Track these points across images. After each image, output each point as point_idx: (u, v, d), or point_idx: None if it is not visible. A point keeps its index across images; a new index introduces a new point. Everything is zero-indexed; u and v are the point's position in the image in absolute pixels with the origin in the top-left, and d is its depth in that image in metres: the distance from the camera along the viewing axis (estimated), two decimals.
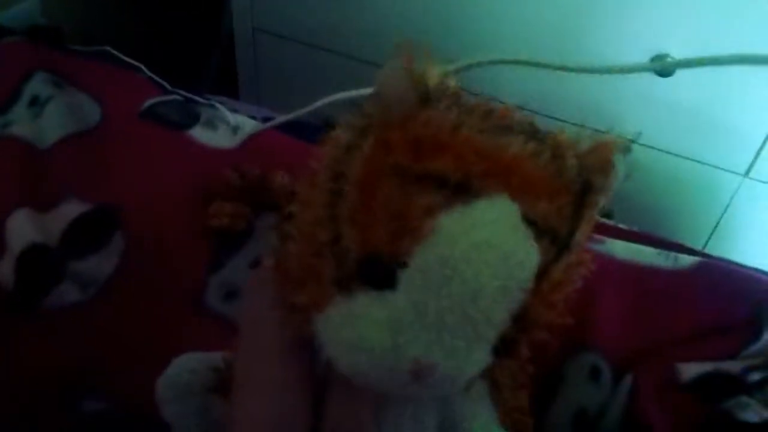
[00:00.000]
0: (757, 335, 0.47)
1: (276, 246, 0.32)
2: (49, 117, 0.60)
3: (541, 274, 0.27)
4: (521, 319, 0.27)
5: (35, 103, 0.61)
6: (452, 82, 0.29)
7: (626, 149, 0.29)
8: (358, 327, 0.26)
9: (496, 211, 0.26)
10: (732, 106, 0.96)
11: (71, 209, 0.53)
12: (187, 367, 0.38)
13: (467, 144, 0.26)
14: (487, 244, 0.25)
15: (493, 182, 0.26)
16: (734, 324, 0.48)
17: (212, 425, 0.37)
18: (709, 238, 1.04)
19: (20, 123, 0.60)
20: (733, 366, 0.46)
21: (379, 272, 0.26)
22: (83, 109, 0.61)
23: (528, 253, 0.26)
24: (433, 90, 0.27)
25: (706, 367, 0.46)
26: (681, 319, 0.49)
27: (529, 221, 0.26)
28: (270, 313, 0.31)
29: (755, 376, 0.46)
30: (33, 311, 0.50)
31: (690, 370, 0.46)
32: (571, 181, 0.28)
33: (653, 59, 0.96)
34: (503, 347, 0.28)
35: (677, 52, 0.94)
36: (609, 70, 0.39)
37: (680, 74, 0.94)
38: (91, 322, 0.49)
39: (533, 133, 0.28)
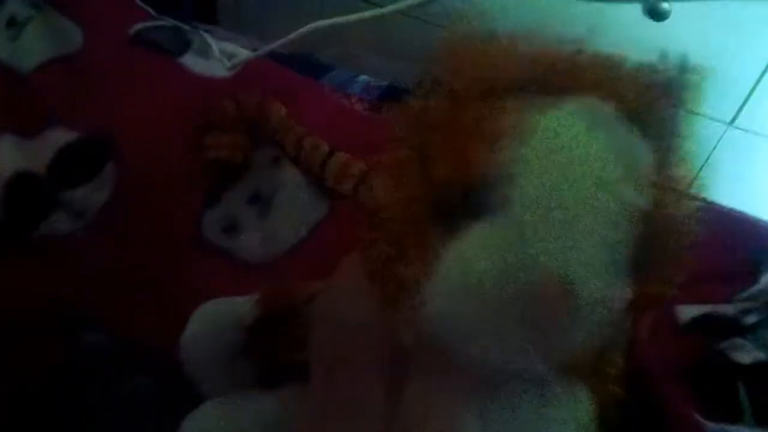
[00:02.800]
0: (754, 279, 0.48)
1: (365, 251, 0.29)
2: (29, 40, 0.57)
3: (664, 162, 0.26)
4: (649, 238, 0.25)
5: (13, 24, 0.58)
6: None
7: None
8: (474, 262, 0.23)
9: (587, 106, 0.24)
10: (720, 55, 0.95)
11: (58, 136, 0.51)
12: (212, 326, 0.35)
13: (538, 51, 0.25)
14: (589, 133, 0.23)
15: (572, 81, 0.24)
16: (732, 268, 0.48)
17: (239, 382, 0.36)
18: (691, 186, 1.06)
19: None
20: (729, 309, 0.47)
21: (482, 197, 0.23)
22: (64, 32, 0.57)
23: (635, 142, 0.25)
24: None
25: (704, 309, 0.47)
26: (682, 263, 0.49)
27: (632, 115, 0.25)
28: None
29: (750, 319, 0.47)
30: (26, 242, 0.48)
31: (687, 311, 0.47)
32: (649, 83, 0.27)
33: (646, 4, 0.94)
34: (637, 268, 0.26)
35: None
36: None
37: (671, 21, 0.94)
38: (85, 253, 0.48)
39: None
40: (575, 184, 0.23)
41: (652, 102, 0.26)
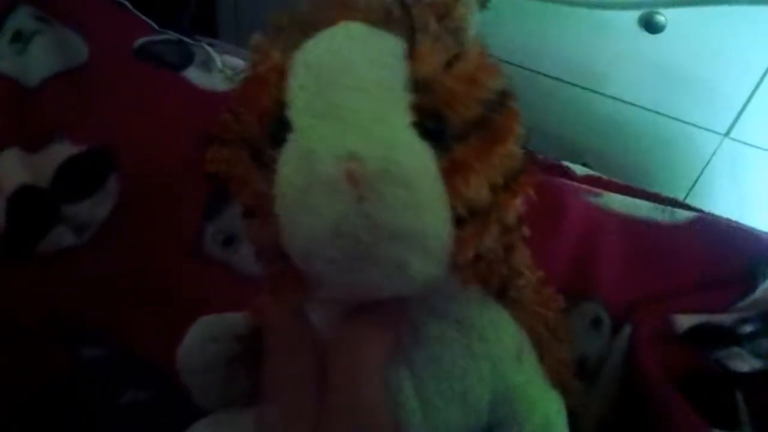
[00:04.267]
0: (750, 289, 0.48)
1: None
2: (35, 54, 0.58)
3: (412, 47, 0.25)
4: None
5: (19, 38, 0.59)
6: None
7: None
8: (285, 181, 0.24)
9: (340, 29, 0.26)
10: (715, 66, 0.96)
11: (62, 150, 0.52)
12: (209, 335, 0.36)
13: None
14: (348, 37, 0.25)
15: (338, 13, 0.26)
16: (729, 277, 0.49)
17: (236, 395, 0.36)
18: (686, 196, 1.07)
19: (3, 59, 0.57)
20: (725, 318, 0.48)
21: (277, 130, 0.25)
22: (70, 46, 0.58)
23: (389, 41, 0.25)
24: None
25: (700, 318, 0.48)
26: (677, 271, 0.50)
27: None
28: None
29: (747, 328, 0.47)
30: (28, 255, 0.48)
31: (685, 321, 0.47)
32: None
33: (642, 16, 0.96)
34: (461, 209, 0.25)
35: (667, 10, 0.94)
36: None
37: (667, 33, 0.95)
38: (87, 267, 0.48)
39: None
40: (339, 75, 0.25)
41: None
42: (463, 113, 0.25)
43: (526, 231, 0.30)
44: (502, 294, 0.33)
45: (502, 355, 0.31)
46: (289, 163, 0.24)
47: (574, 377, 0.37)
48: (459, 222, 0.25)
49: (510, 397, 0.31)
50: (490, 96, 0.26)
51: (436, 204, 0.25)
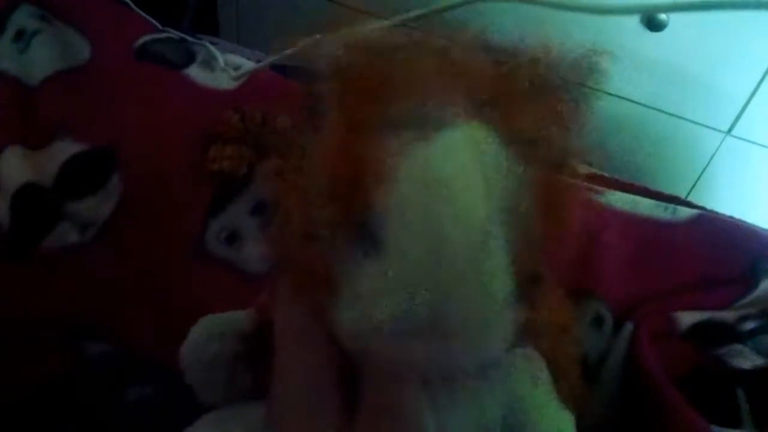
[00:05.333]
0: (753, 286, 0.48)
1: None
2: (37, 52, 0.58)
3: (533, 185, 0.24)
4: (532, 244, 0.24)
5: (21, 37, 0.59)
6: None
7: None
8: (359, 305, 0.24)
9: (459, 138, 0.23)
10: (717, 64, 0.96)
11: (65, 148, 0.52)
12: (213, 333, 0.36)
13: (418, 77, 0.23)
14: (462, 168, 0.22)
15: (452, 107, 0.23)
16: (731, 275, 0.49)
17: (239, 392, 0.36)
18: (688, 194, 1.07)
19: (5, 57, 0.57)
20: (727, 315, 0.48)
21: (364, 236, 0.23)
22: (72, 45, 0.58)
23: (509, 169, 0.23)
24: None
25: (702, 315, 0.48)
26: (679, 269, 0.50)
27: (507, 138, 0.24)
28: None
29: (749, 325, 0.48)
30: (31, 253, 0.48)
31: (687, 318, 0.48)
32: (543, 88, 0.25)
33: (644, 14, 0.96)
34: (524, 284, 0.25)
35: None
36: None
37: (669, 31, 0.95)
38: (91, 265, 0.48)
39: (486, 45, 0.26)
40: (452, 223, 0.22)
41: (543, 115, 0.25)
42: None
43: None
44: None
45: (518, 379, 0.31)
46: (368, 265, 0.23)
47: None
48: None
49: (524, 422, 0.31)
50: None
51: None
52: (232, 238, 0.51)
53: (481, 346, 0.25)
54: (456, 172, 0.22)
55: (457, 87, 0.24)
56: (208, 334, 0.36)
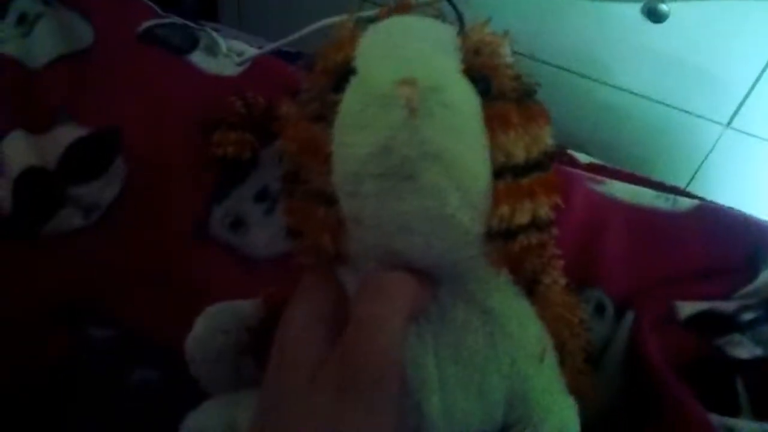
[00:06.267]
0: (752, 277, 0.49)
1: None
2: (40, 36, 0.57)
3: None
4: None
5: (24, 21, 0.59)
6: None
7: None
8: (347, 109, 0.28)
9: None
10: (718, 57, 0.96)
11: (68, 132, 0.52)
12: (218, 326, 0.36)
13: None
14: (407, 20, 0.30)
15: None
16: (731, 265, 0.49)
17: (243, 384, 0.36)
18: (687, 186, 1.07)
19: (9, 41, 0.57)
20: (727, 305, 0.48)
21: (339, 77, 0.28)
22: (74, 29, 0.58)
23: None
24: None
25: (703, 305, 0.48)
26: (680, 259, 0.50)
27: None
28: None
29: (748, 316, 0.48)
30: (35, 236, 0.48)
31: (687, 308, 0.48)
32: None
33: (645, 5, 0.95)
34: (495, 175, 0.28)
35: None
36: None
37: (670, 22, 0.95)
38: (94, 248, 0.49)
39: None
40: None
41: None
42: (504, 81, 0.29)
43: (555, 232, 0.32)
44: (532, 290, 0.33)
45: (523, 354, 0.32)
46: (349, 93, 0.27)
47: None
48: (496, 176, 0.28)
49: (527, 399, 0.32)
50: (526, 83, 0.30)
51: (477, 137, 0.27)
52: (237, 224, 0.51)
53: (452, 165, 0.27)
54: (414, 22, 0.29)
55: None
56: (213, 328, 0.36)
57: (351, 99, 0.27)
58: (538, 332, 0.33)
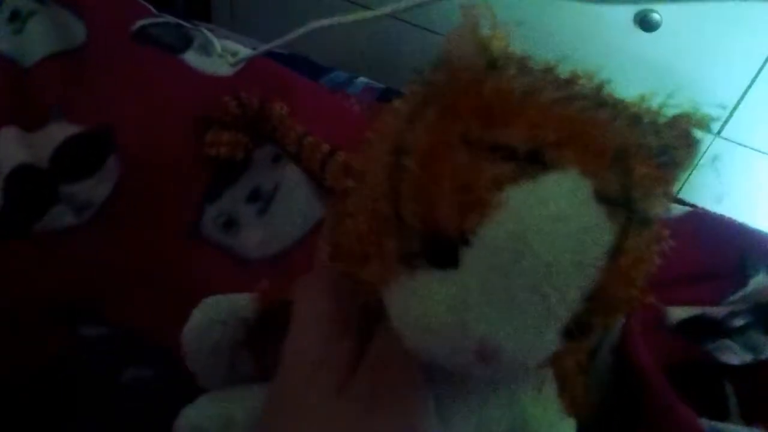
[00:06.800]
0: (742, 283, 0.49)
1: (333, 224, 0.31)
2: (32, 33, 0.57)
3: (618, 249, 0.24)
4: (596, 299, 0.24)
5: (16, 18, 0.58)
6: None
7: (707, 124, 0.27)
8: (422, 305, 0.25)
9: (568, 185, 0.23)
10: (709, 66, 0.97)
11: (61, 130, 0.52)
12: (214, 320, 0.35)
13: (540, 113, 0.24)
14: (558, 217, 0.23)
15: (566, 153, 0.23)
16: (721, 271, 0.50)
17: (239, 378, 0.36)
18: (676, 194, 1.07)
19: (1, 39, 0.57)
20: (717, 311, 0.48)
21: (442, 250, 0.24)
22: (67, 27, 0.58)
23: (601, 228, 0.24)
24: (499, 55, 0.25)
25: (693, 311, 0.48)
26: (670, 264, 0.50)
27: (603, 197, 0.24)
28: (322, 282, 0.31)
29: (738, 322, 0.48)
30: (26, 234, 0.48)
31: (677, 313, 0.48)
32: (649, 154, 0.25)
33: (638, 14, 0.96)
34: (577, 329, 0.25)
35: (662, 9, 0.95)
36: None
37: (662, 31, 0.95)
38: (86, 247, 0.48)
39: (603, 101, 0.26)
40: (532, 260, 0.23)
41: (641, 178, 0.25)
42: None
43: None
44: None
45: (522, 385, 0.31)
46: (436, 297, 0.24)
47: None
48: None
49: (526, 428, 0.32)
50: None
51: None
52: (229, 224, 0.51)
53: (513, 371, 0.26)
54: (557, 215, 0.23)
55: (573, 132, 0.24)
56: (210, 321, 0.36)
57: (434, 306, 0.24)
58: None
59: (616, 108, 0.26)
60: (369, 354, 0.29)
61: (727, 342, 0.47)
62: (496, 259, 0.23)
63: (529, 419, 0.31)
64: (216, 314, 0.35)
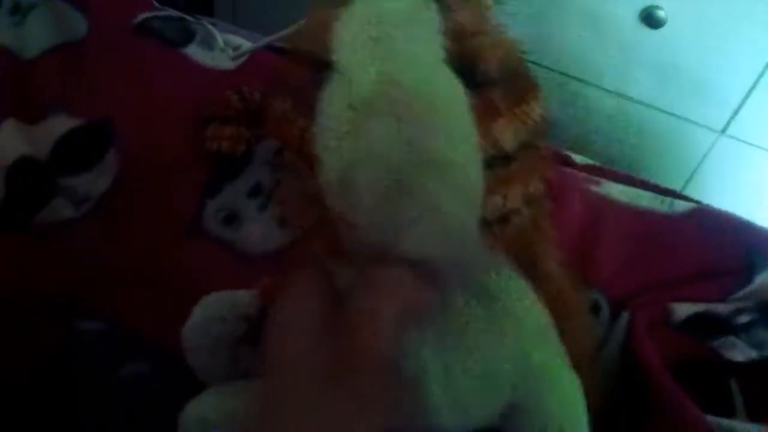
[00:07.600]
0: (747, 280, 0.48)
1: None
2: (33, 26, 0.57)
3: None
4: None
5: (17, 10, 0.58)
6: None
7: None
8: (330, 112, 0.26)
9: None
10: (714, 64, 0.97)
11: (61, 123, 0.51)
12: (215, 316, 0.35)
13: None
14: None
15: None
16: (726, 268, 0.49)
17: (240, 374, 0.36)
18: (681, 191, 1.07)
19: (2, 31, 0.56)
20: (722, 308, 0.48)
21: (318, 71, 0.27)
22: (69, 20, 0.58)
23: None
24: None
25: (698, 307, 0.48)
26: (676, 261, 0.50)
27: None
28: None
29: (743, 318, 0.48)
30: (26, 226, 0.48)
31: (682, 309, 0.48)
32: None
33: (643, 10, 0.96)
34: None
35: (668, 6, 0.94)
36: None
37: (667, 29, 0.95)
38: (84, 242, 0.48)
39: None
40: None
41: None
42: (491, 65, 0.27)
43: (549, 204, 0.31)
44: (532, 269, 0.33)
45: (526, 332, 0.31)
46: (330, 94, 0.26)
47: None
48: (487, 166, 0.27)
49: (531, 375, 0.31)
50: (513, 58, 0.28)
51: (466, 133, 0.26)
52: (230, 218, 0.51)
53: (444, 168, 0.25)
54: (390, 3, 0.26)
55: None
56: (211, 317, 0.35)
57: (332, 101, 0.26)
58: (539, 310, 0.33)
59: None
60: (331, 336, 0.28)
61: (732, 339, 0.47)
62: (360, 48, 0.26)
63: (533, 368, 0.31)
64: (217, 311, 0.35)
